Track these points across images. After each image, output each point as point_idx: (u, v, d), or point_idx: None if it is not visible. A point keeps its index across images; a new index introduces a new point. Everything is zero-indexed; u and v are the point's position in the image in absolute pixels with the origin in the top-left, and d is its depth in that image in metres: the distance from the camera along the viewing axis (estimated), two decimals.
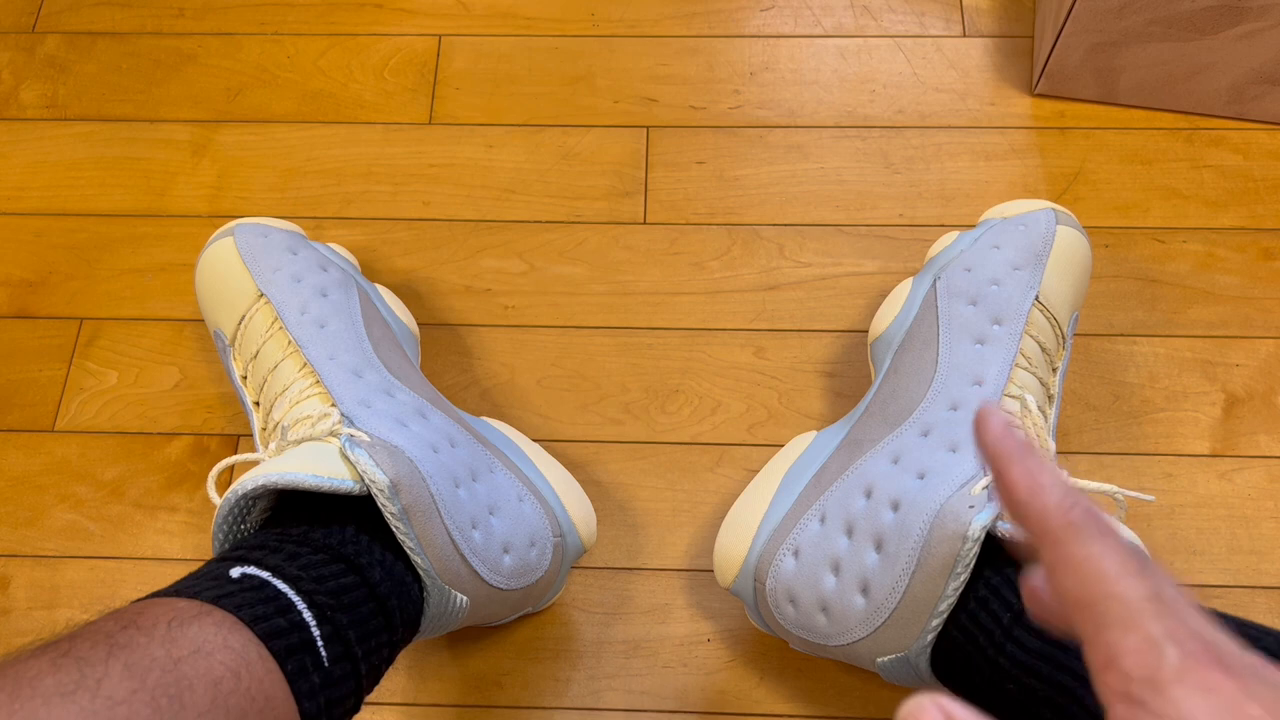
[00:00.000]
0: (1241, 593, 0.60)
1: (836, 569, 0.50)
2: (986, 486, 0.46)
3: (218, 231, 0.61)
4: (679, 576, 0.62)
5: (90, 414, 0.67)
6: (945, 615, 0.45)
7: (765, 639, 0.60)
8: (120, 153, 0.75)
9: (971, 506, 0.45)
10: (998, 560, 0.45)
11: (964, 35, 0.77)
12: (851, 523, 0.50)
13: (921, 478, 0.48)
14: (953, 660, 0.46)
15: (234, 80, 0.78)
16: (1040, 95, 0.74)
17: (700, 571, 0.62)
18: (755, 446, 0.65)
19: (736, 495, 0.63)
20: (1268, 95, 0.70)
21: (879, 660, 0.49)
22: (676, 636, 0.60)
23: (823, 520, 0.51)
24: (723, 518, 0.63)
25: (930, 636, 0.46)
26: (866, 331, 0.68)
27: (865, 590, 0.48)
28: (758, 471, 0.64)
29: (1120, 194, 0.71)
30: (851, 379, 0.66)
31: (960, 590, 0.45)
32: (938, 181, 0.72)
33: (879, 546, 0.48)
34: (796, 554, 0.51)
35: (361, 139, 0.75)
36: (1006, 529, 0.44)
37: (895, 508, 0.48)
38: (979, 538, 0.44)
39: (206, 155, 0.75)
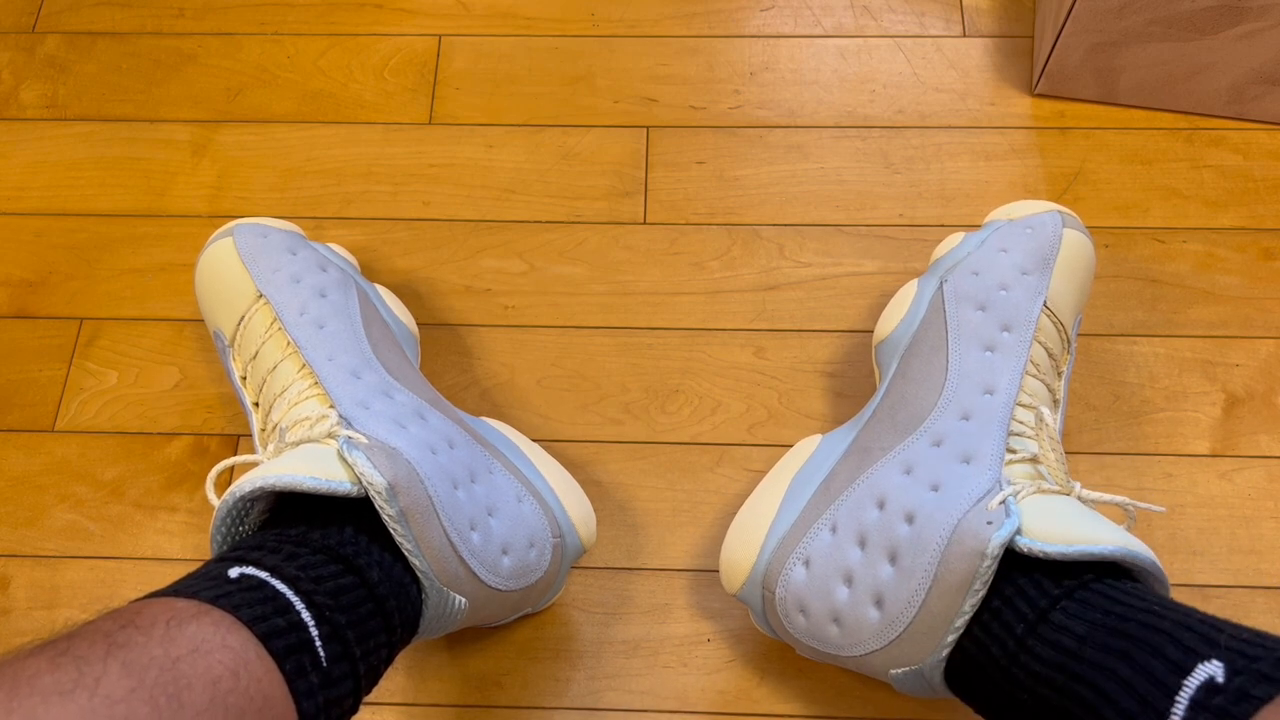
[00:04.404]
0: (1241, 593, 0.60)
1: (849, 580, 0.49)
2: (1003, 501, 0.46)
3: (217, 232, 0.61)
4: (679, 576, 0.62)
5: (90, 414, 0.67)
6: (961, 630, 0.45)
7: (766, 639, 0.60)
8: (120, 153, 0.75)
9: (989, 523, 0.45)
10: (1011, 570, 0.45)
11: (964, 35, 0.77)
12: (864, 534, 0.49)
13: (936, 490, 0.48)
14: (966, 671, 0.46)
15: (234, 80, 0.78)
16: (1040, 95, 0.74)
17: (701, 572, 0.62)
18: (755, 446, 0.65)
19: (737, 495, 0.63)
20: (1268, 95, 0.70)
21: (892, 672, 0.49)
22: (676, 636, 0.60)
23: (834, 530, 0.51)
24: (723, 518, 0.63)
25: (945, 651, 0.46)
26: (866, 331, 0.68)
27: (879, 603, 0.48)
28: (758, 471, 0.64)
29: (1120, 194, 0.71)
30: (852, 379, 0.66)
31: (977, 606, 0.45)
32: (938, 181, 0.72)
33: (893, 559, 0.48)
34: (807, 564, 0.51)
35: (361, 139, 0.75)
36: (1025, 544, 0.44)
37: (910, 520, 0.48)
38: (998, 555, 0.44)
39: (206, 155, 0.75)
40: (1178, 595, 0.46)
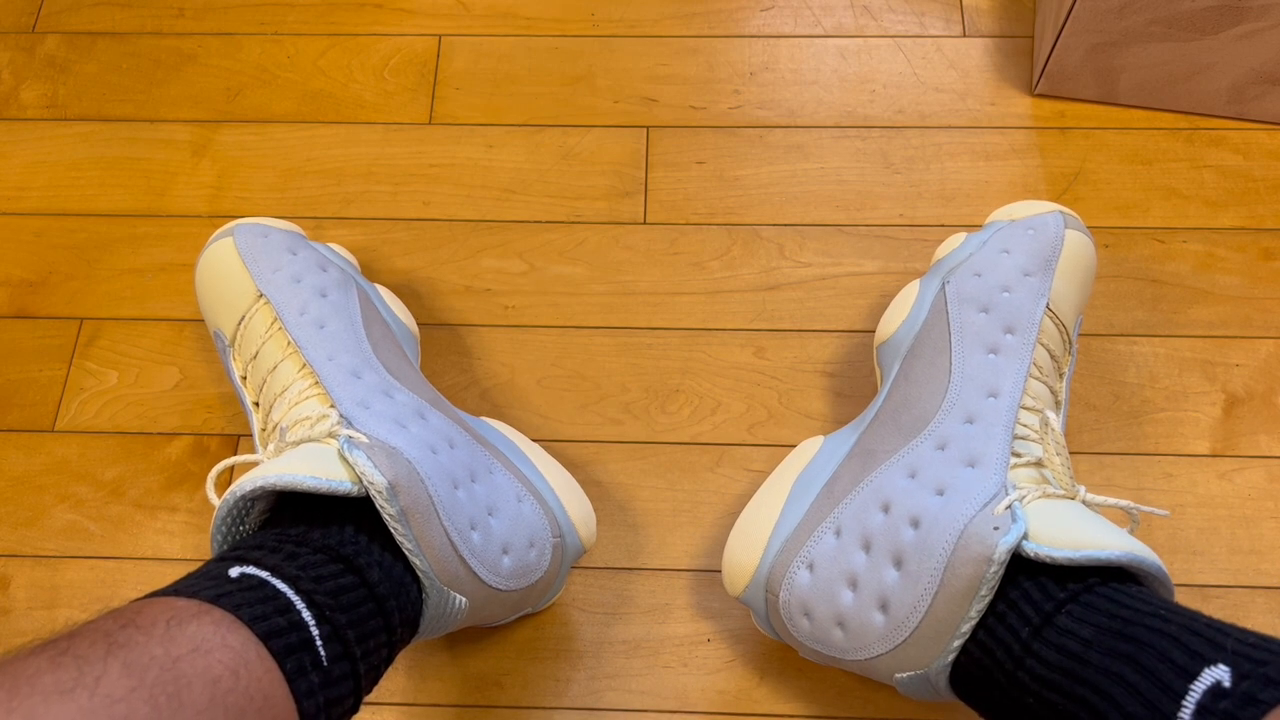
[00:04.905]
0: (1241, 593, 0.60)
1: (854, 585, 0.49)
2: (1010, 506, 0.46)
3: (218, 231, 0.61)
4: (679, 576, 0.62)
5: (90, 414, 0.67)
6: (967, 635, 0.45)
7: (766, 640, 0.60)
8: (120, 153, 0.75)
9: (996, 528, 0.45)
10: (1016, 574, 0.45)
11: (964, 35, 0.77)
12: (869, 538, 0.49)
13: (941, 494, 0.48)
14: (971, 675, 0.46)
15: (234, 80, 0.78)
16: (1040, 95, 0.74)
17: (701, 572, 0.62)
18: (755, 446, 0.65)
19: (737, 495, 0.63)
20: (1268, 95, 0.70)
21: (897, 676, 0.49)
22: (677, 636, 0.60)
23: (838, 534, 0.51)
24: (724, 518, 0.63)
25: (951, 656, 0.45)
26: (866, 331, 0.68)
27: (884, 607, 0.48)
28: (758, 472, 0.64)
29: (1120, 194, 0.71)
30: (852, 379, 0.66)
31: (984, 611, 0.45)
32: (938, 181, 0.72)
33: (899, 564, 0.47)
34: (811, 567, 0.51)
35: (361, 139, 0.75)
36: (1032, 549, 0.44)
37: (915, 525, 0.48)
38: (1005, 561, 0.44)
39: (206, 155, 0.75)
40: (1177, 595, 0.46)
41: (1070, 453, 0.64)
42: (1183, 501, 0.62)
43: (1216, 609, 0.60)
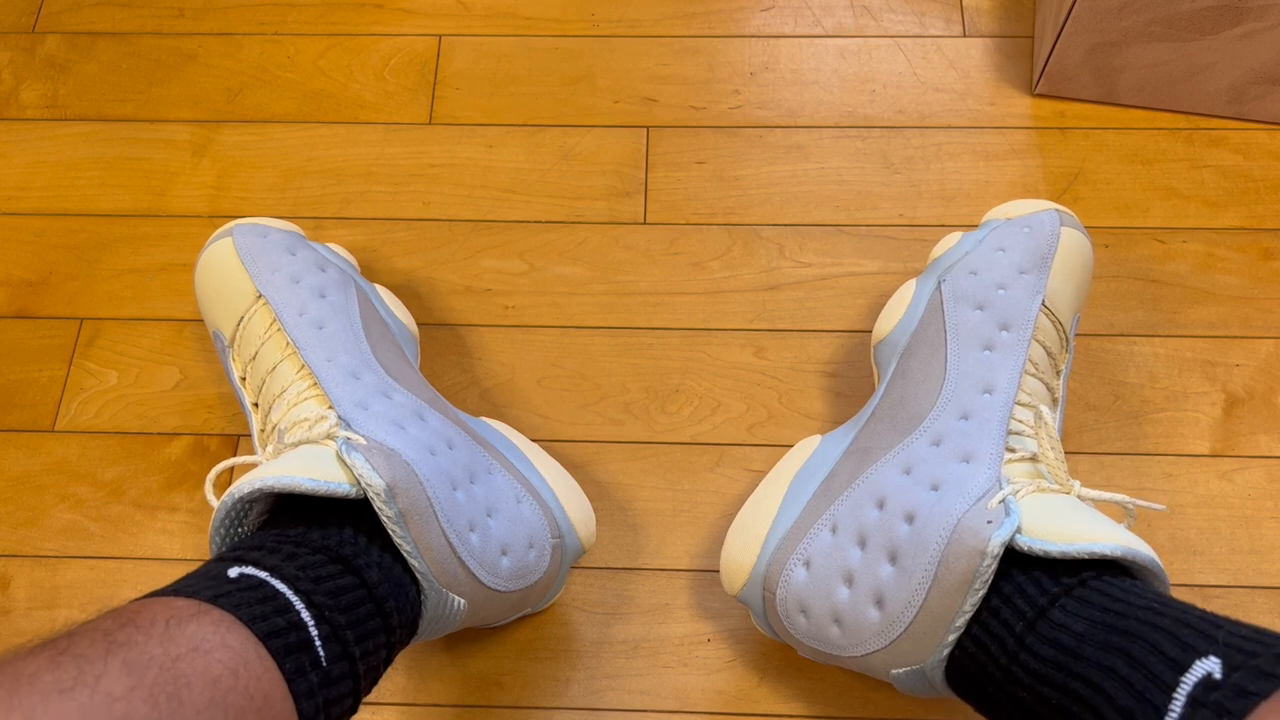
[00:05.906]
0: (1241, 593, 0.60)
1: (850, 581, 0.49)
2: (1003, 500, 0.46)
3: (217, 232, 0.61)
4: (679, 576, 0.62)
5: (90, 414, 0.67)
6: (962, 629, 0.45)
7: (766, 639, 0.60)
8: (120, 153, 0.75)
9: (989, 522, 0.45)
10: (1010, 568, 0.45)
11: (964, 35, 0.77)
12: (864, 534, 0.49)
13: (935, 489, 0.48)
14: (966, 670, 0.46)
15: (234, 80, 0.78)
16: (1040, 95, 0.74)
17: (701, 571, 0.62)
18: (755, 446, 0.65)
19: (737, 495, 0.63)
20: (1268, 95, 0.70)
21: (893, 672, 0.49)
22: (676, 636, 0.60)
23: (834, 530, 0.51)
24: (723, 518, 0.63)
25: (946, 650, 0.46)
26: (866, 331, 0.68)
27: (880, 603, 0.48)
28: (758, 471, 0.64)
29: (1120, 194, 0.71)
30: (852, 379, 0.66)
31: (978, 605, 0.45)
32: (938, 181, 0.72)
33: (893, 559, 0.48)
34: (808, 564, 0.51)
35: (361, 139, 0.75)
36: (1025, 543, 0.44)
37: (910, 520, 0.48)
38: (998, 554, 0.44)
39: (206, 155, 0.75)
40: (1178, 595, 0.46)
41: (1071, 453, 0.64)
42: (1183, 501, 0.62)
43: (1216, 609, 0.59)
